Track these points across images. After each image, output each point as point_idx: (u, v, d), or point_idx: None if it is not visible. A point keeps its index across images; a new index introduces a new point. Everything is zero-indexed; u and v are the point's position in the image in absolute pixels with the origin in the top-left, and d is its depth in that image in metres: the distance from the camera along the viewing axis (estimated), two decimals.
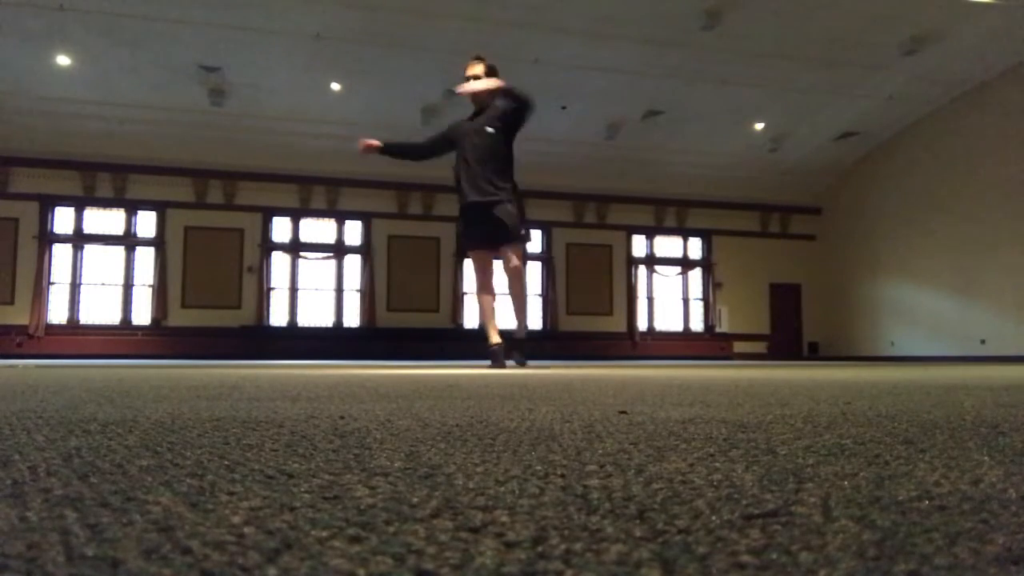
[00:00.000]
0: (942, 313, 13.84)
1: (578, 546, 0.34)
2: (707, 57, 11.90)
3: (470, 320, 14.89)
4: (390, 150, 5.14)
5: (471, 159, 4.95)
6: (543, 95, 13.16)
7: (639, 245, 16.18)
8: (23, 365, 4.88)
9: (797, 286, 16.90)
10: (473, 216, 4.89)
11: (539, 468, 0.58)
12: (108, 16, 10.36)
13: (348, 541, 0.35)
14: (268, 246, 14.13)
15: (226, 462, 0.61)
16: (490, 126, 5.03)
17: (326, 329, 14.19)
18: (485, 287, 5.08)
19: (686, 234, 16.38)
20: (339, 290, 14.47)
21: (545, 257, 15.53)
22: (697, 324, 16.36)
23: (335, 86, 12.41)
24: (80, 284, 13.45)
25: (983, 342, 12.81)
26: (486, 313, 5.07)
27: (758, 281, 16.58)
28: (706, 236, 16.46)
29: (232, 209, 13.93)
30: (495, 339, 4.90)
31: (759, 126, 14.32)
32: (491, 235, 4.85)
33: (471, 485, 0.50)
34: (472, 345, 14.16)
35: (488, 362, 4.91)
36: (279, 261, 14.32)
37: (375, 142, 5.03)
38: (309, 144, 13.61)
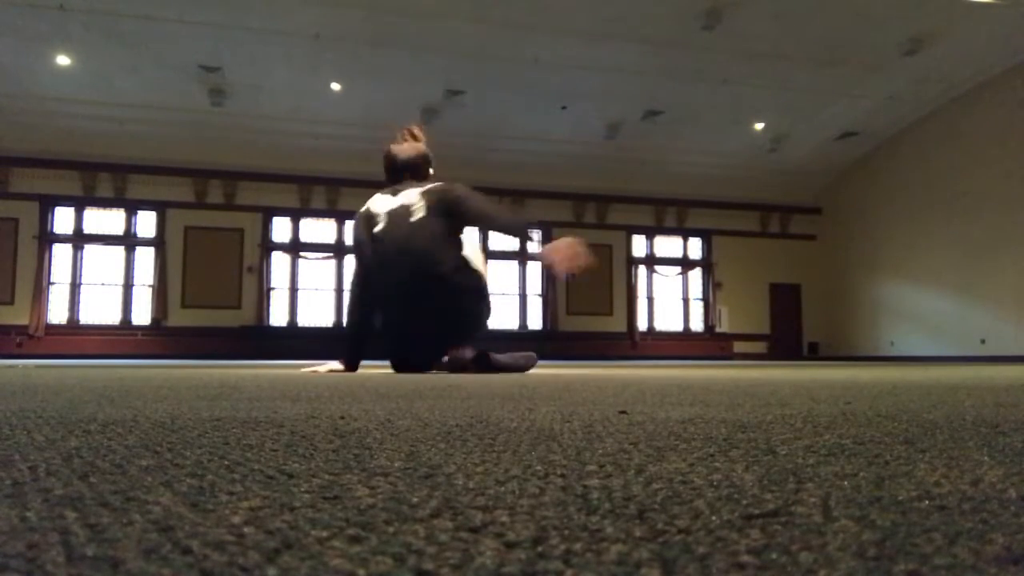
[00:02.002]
0: (942, 313, 13.83)
1: (578, 546, 0.34)
2: (707, 57, 11.91)
3: None
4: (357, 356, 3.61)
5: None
6: (543, 95, 13.24)
7: (639, 245, 16.18)
8: (23, 365, 4.88)
9: (797, 286, 16.91)
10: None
11: (539, 468, 0.58)
12: (108, 16, 10.36)
13: (348, 541, 0.35)
14: (268, 246, 14.13)
15: (226, 462, 0.61)
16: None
17: (326, 329, 14.19)
18: None
19: (686, 234, 16.38)
20: (339, 290, 14.47)
21: None
22: (697, 324, 16.36)
23: (335, 86, 12.41)
24: (80, 284, 13.45)
25: (983, 342, 12.81)
26: None
27: (758, 281, 16.59)
28: (706, 236, 16.46)
29: (232, 209, 13.94)
30: None
31: (759, 126, 14.32)
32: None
33: (471, 485, 0.50)
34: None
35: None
36: (279, 261, 14.32)
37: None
38: (309, 144, 13.61)
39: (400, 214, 3.36)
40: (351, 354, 3.55)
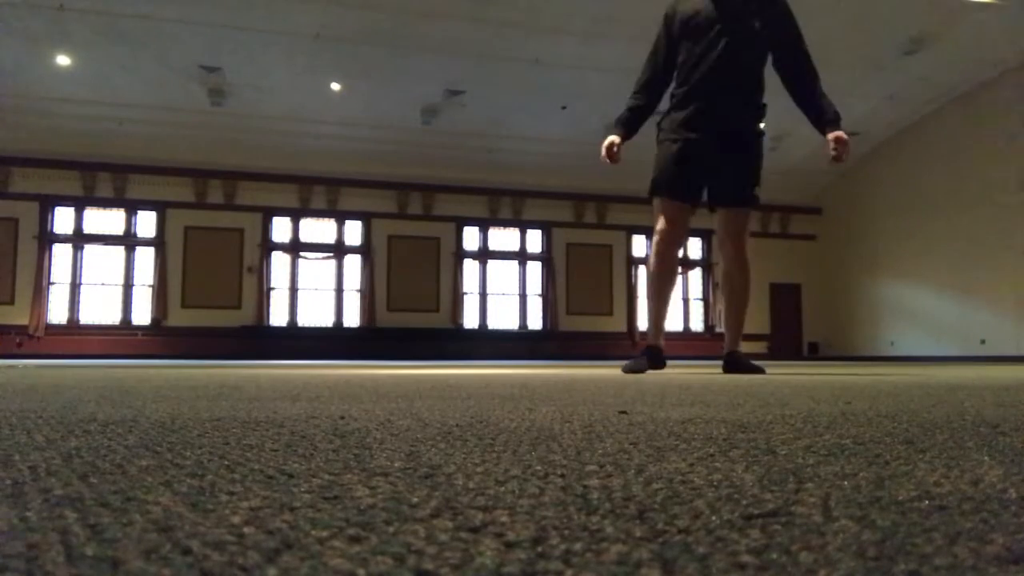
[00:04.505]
0: (942, 313, 13.83)
1: (578, 546, 0.34)
2: None
3: (470, 320, 14.88)
4: (634, 128, 3.81)
5: (724, 62, 3.32)
6: (543, 95, 13.24)
7: (639, 245, 16.19)
8: (23, 365, 4.88)
9: (797, 286, 16.90)
10: (704, 149, 3.41)
11: (539, 468, 0.58)
12: (108, 16, 10.36)
13: (348, 541, 0.35)
14: (268, 246, 14.13)
15: (226, 462, 0.61)
16: (760, 19, 3.33)
17: (326, 329, 14.19)
18: (672, 261, 3.63)
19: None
20: (339, 290, 14.48)
21: (545, 257, 15.53)
22: (697, 324, 16.36)
23: (335, 86, 12.41)
24: (80, 284, 13.45)
25: (983, 342, 12.81)
26: (662, 300, 3.56)
27: (758, 281, 16.38)
28: (706, 236, 16.46)
29: (232, 209, 13.94)
30: (658, 340, 3.56)
31: (759, 126, 14.31)
32: (720, 185, 3.44)
33: (471, 485, 0.50)
34: (472, 345, 14.22)
35: (634, 363, 3.47)
36: (279, 261, 14.32)
37: (615, 145, 3.72)
38: (309, 144, 13.61)
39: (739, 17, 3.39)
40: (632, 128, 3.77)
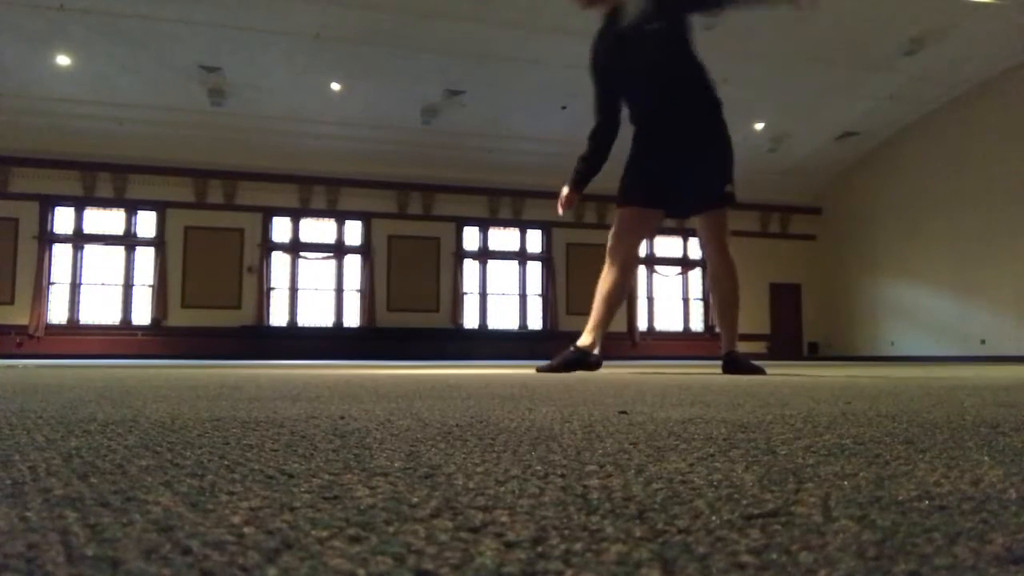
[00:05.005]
0: (942, 313, 13.83)
1: (578, 546, 0.34)
2: (707, 57, 11.86)
3: (470, 320, 14.88)
4: (584, 183, 3.83)
5: (650, 84, 3.49)
6: (543, 95, 13.24)
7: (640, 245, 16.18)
8: (23, 365, 4.88)
9: (797, 286, 16.90)
10: (667, 164, 3.44)
11: (539, 468, 0.58)
12: (108, 16, 10.36)
13: (348, 541, 0.35)
14: (268, 246, 14.13)
15: (226, 462, 0.61)
16: (656, 20, 3.44)
17: (326, 329, 14.19)
18: (629, 266, 3.67)
19: (686, 234, 16.39)
20: (339, 290, 14.48)
21: (545, 257, 15.53)
22: (697, 324, 16.36)
23: (335, 86, 12.41)
24: (80, 284, 13.45)
25: (983, 342, 12.81)
26: (610, 301, 3.62)
27: (758, 281, 16.58)
28: None
29: (232, 209, 13.94)
30: (589, 340, 3.58)
31: (759, 126, 14.31)
32: (692, 191, 3.47)
33: (471, 485, 0.50)
34: (472, 345, 14.22)
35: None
36: (279, 261, 14.32)
37: (568, 196, 3.77)
38: (309, 144, 13.61)
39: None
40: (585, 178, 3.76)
